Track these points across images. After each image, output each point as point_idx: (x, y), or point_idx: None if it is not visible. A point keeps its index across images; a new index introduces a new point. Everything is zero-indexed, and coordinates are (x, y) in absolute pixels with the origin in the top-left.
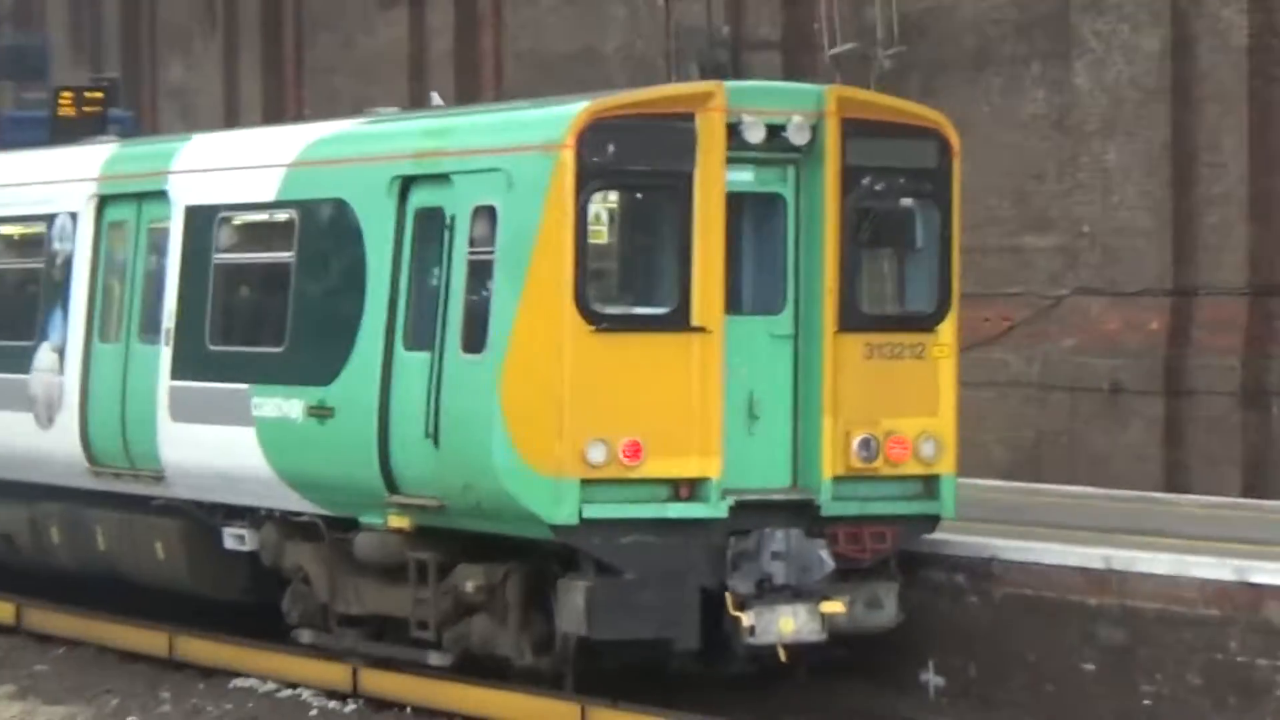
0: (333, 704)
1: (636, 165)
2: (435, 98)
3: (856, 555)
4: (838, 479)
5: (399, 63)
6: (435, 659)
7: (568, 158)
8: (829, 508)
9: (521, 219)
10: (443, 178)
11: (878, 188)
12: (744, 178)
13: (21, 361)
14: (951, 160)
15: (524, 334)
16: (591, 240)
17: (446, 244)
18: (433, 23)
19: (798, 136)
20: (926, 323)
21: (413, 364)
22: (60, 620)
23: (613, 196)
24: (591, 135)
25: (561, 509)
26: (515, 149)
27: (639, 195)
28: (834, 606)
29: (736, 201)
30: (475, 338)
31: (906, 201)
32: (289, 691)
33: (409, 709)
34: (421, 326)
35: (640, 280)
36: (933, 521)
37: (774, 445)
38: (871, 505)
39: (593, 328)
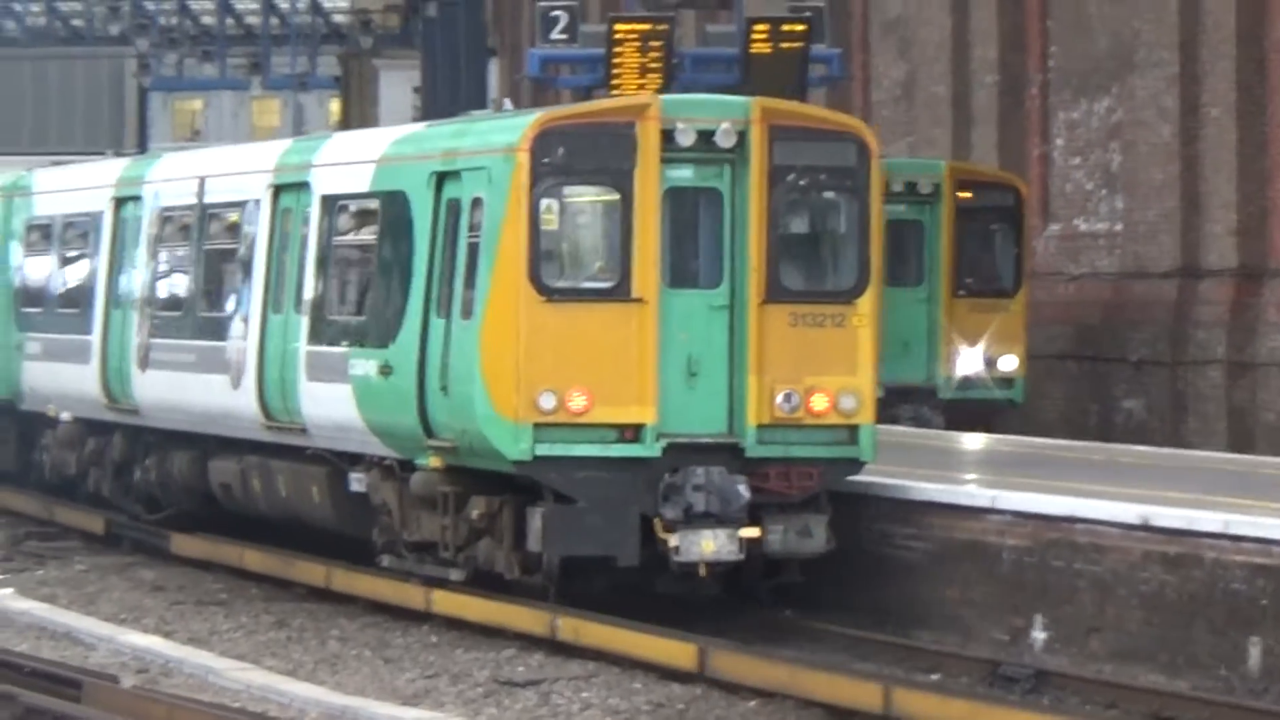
0: None
1: (584, 165)
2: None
3: (785, 491)
4: (762, 426)
5: None
6: (454, 575)
7: (523, 159)
8: (753, 450)
9: (495, 208)
10: (457, 174)
11: (801, 183)
12: (684, 174)
13: (221, 329)
14: (869, 159)
15: (494, 303)
16: (544, 227)
17: (457, 228)
18: None
19: (724, 140)
20: (846, 296)
21: (437, 329)
22: (751, 667)
23: (564, 190)
24: (542, 140)
25: (518, 446)
26: (494, 151)
27: (586, 189)
28: (751, 532)
29: (678, 195)
30: (468, 306)
31: (829, 194)
32: None
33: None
34: (442, 297)
35: (587, 260)
36: (855, 465)
37: (712, 398)
38: (795, 449)
39: (543, 298)
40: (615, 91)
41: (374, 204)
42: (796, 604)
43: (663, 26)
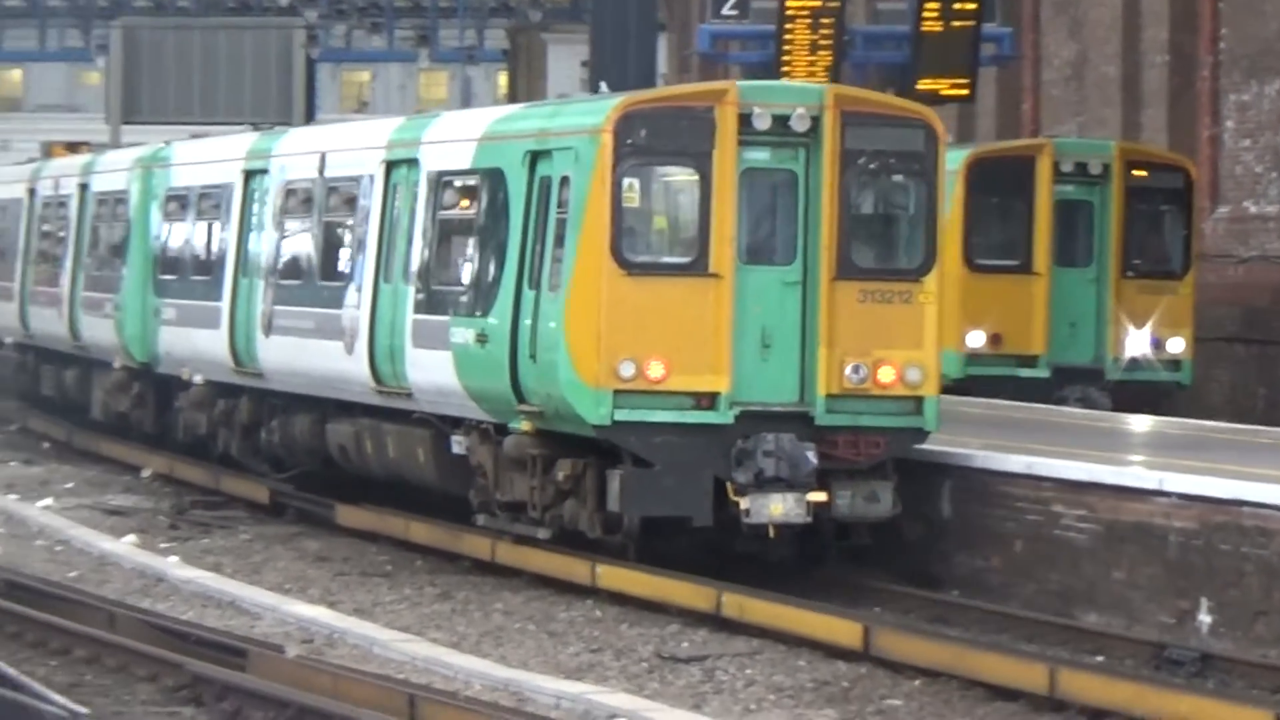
0: None
1: (665, 146)
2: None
3: (853, 458)
4: (830, 396)
5: None
6: (541, 533)
7: (607, 139)
8: (822, 419)
9: (581, 186)
10: (548, 153)
11: (872, 166)
12: (760, 156)
13: (338, 298)
14: (937, 144)
15: (579, 276)
16: (626, 204)
17: (548, 204)
18: None
19: (799, 125)
20: (913, 274)
21: (528, 300)
22: (916, 647)
23: (645, 169)
24: (625, 122)
25: (598, 411)
26: (582, 132)
27: (667, 170)
28: (818, 496)
29: (754, 175)
30: (555, 279)
31: (898, 177)
32: None
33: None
34: (533, 270)
35: (666, 236)
36: (921, 434)
37: (784, 369)
38: (862, 418)
39: (624, 272)
40: (785, 70)
41: (474, 180)
42: (962, 585)
43: (834, 3)
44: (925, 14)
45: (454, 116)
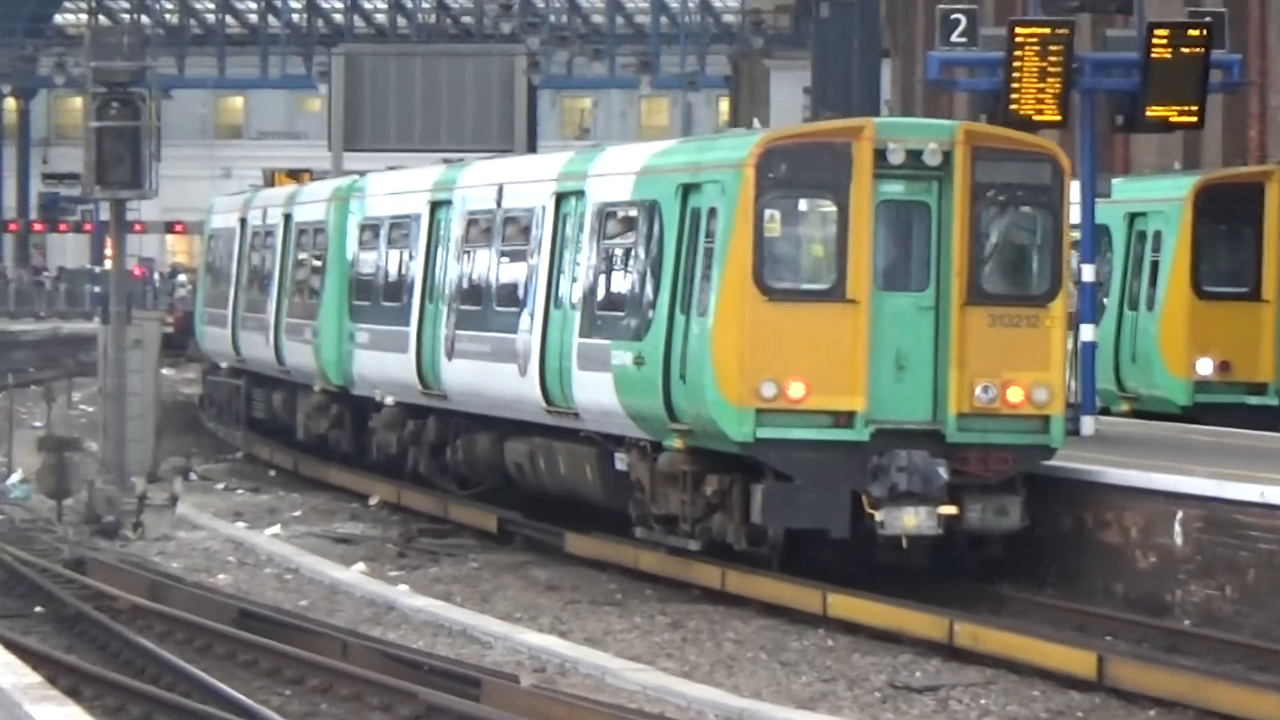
0: None
1: (805, 179)
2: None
3: (983, 474)
4: (961, 415)
5: None
6: (692, 545)
7: (750, 173)
8: (954, 436)
9: (727, 217)
10: (699, 186)
11: (1001, 198)
12: (895, 189)
13: (513, 323)
14: (1063, 178)
15: (724, 301)
16: (768, 234)
17: (697, 234)
18: None
19: (931, 159)
20: (1040, 300)
21: (679, 324)
22: (1151, 676)
23: (786, 201)
24: (767, 157)
25: (742, 429)
26: (726, 166)
27: (806, 201)
28: (948, 509)
29: (890, 207)
30: (703, 305)
31: (1025, 209)
32: None
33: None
34: (684, 296)
35: (806, 264)
36: (1047, 451)
37: (917, 389)
38: (992, 436)
39: (766, 298)
40: (1014, 99)
41: (633, 211)
42: (1195, 614)
43: (1063, 30)
44: (1155, 41)
45: (617, 151)
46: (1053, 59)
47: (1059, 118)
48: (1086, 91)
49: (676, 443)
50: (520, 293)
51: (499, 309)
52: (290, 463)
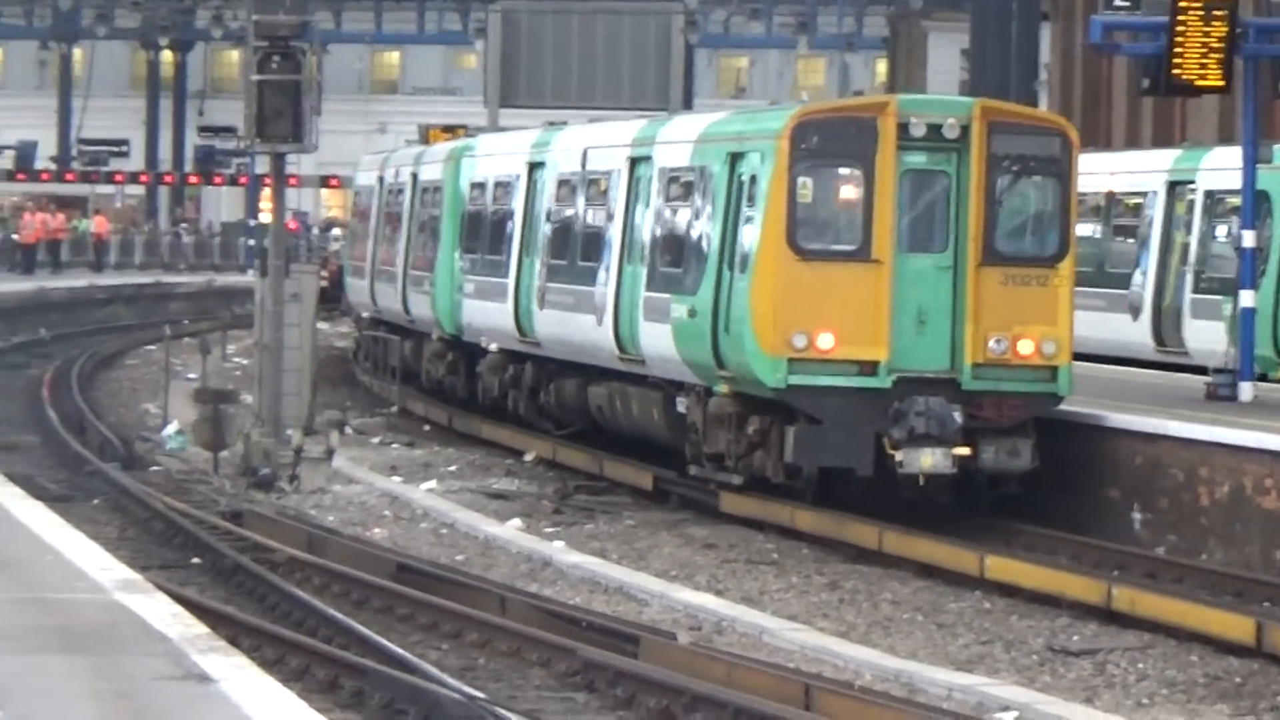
0: None
1: (834, 150)
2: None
3: (997, 418)
4: (976, 365)
5: None
6: (735, 479)
7: (784, 144)
8: (969, 384)
9: (764, 183)
10: (743, 154)
11: (1014, 169)
12: (918, 159)
13: (592, 276)
14: (1071, 150)
15: (761, 260)
16: (800, 200)
17: (741, 199)
18: None
19: (950, 133)
20: (1049, 261)
21: (725, 280)
22: None
23: (817, 169)
24: (800, 129)
25: (775, 376)
26: (766, 137)
27: (836, 170)
28: (962, 450)
29: (912, 176)
30: (743, 263)
31: (1036, 178)
32: None
33: None
34: (729, 255)
35: (835, 227)
36: (1055, 399)
37: (936, 342)
38: (1004, 384)
39: (798, 257)
40: (1176, 64)
41: (691, 176)
42: None
43: None
44: None
45: (681, 120)
46: (1216, 24)
47: (1222, 83)
48: (1250, 57)
49: (723, 388)
50: (599, 249)
51: (581, 263)
52: (444, 418)
